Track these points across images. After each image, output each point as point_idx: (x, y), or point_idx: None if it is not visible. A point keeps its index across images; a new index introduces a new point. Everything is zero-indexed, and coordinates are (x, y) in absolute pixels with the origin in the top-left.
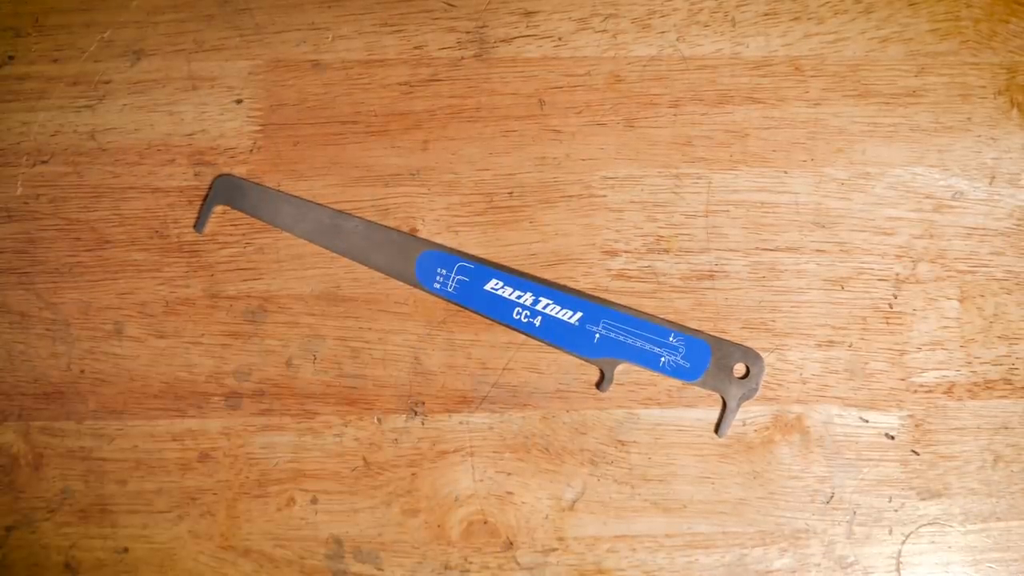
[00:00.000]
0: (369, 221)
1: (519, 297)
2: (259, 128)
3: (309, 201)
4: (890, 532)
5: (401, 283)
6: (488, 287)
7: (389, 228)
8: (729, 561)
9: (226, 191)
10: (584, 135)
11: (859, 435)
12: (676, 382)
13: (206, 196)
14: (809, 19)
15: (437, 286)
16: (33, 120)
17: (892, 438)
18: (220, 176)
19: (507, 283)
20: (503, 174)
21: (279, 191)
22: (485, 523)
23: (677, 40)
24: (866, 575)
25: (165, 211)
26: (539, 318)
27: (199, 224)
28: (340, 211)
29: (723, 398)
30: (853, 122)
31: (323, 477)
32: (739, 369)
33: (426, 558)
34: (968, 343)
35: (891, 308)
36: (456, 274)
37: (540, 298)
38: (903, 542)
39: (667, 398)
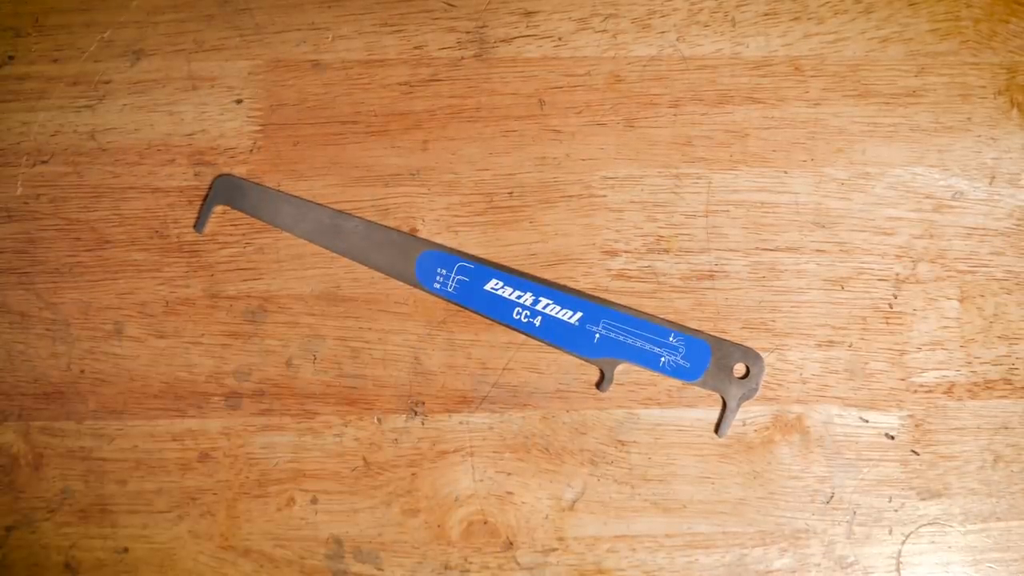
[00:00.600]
0: (369, 221)
1: (519, 297)
2: (259, 128)
3: (309, 201)
4: (890, 532)
5: (401, 283)
6: (488, 287)
7: (389, 228)
8: (729, 561)
9: (226, 191)
10: (584, 135)
11: (859, 435)
12: (676, 382)
13: (206, 196)
14: (809, 19)
15: (437, 286)
16: (33, 120)
17: (892, 438)
18: (220, 176)
19: (507, 283)
20: (503, 174)
21: (279, 191)
22: (485, 523)
23: (677, 40)
24: (866, 575)
25: (165, 211)
26: (539, 318)
27: (199, 224)
28: (340, 211)
29: (723, 398)
30: (853, 122)
31: (323, 477)
32: (739, 369)
33: (426, 558)
34: (968, 343)
35: (891, 308)
36: (456, 274)
37: (540, 298)
38: (903, 542)
39: (667, 398)
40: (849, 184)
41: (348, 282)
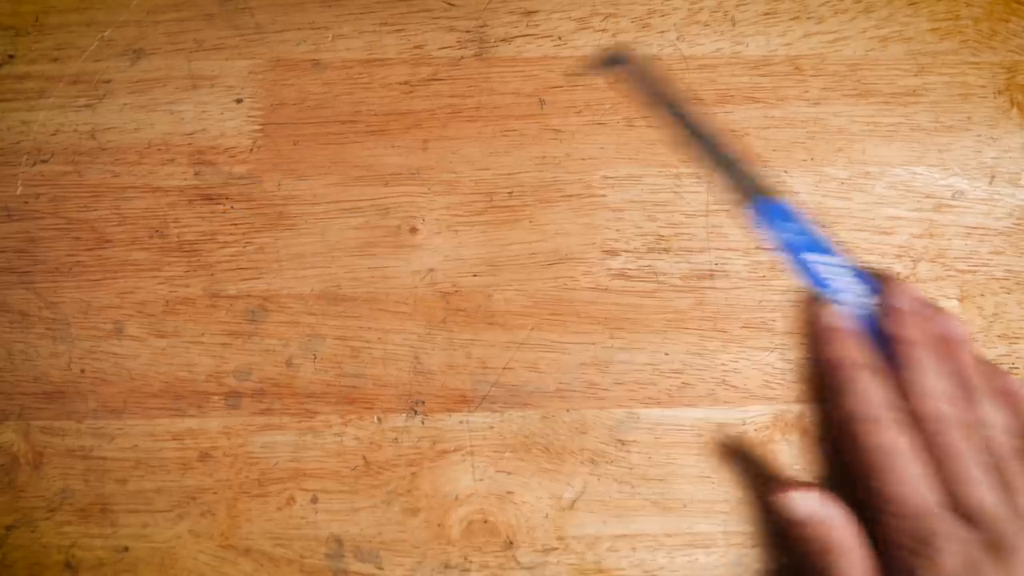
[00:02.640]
0: (723, 144)
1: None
2: (259, 127)
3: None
4: None
5: (401, 283)
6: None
7: (740, 160)
8: (729, 561)
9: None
10: (584, 135)
11: None
12: (676, 381)
13: (604, 61)
14: (809, 19)
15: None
16: (33, 119)
17: None
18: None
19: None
20: (503, 173)
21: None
22: (485, 522)
23: (677, 40)
24: None
25: (165, 211)
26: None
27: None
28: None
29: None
30: (853, 122)
31: (323, 476)
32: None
33: (426, 557)
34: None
35: None
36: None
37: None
38: None
39: (667, 398)
40: (849, 183)
41: (348, 281)
